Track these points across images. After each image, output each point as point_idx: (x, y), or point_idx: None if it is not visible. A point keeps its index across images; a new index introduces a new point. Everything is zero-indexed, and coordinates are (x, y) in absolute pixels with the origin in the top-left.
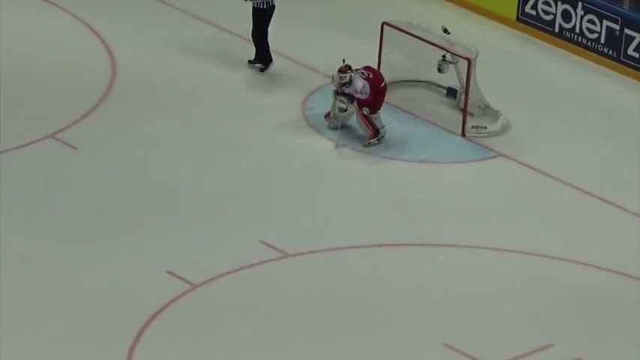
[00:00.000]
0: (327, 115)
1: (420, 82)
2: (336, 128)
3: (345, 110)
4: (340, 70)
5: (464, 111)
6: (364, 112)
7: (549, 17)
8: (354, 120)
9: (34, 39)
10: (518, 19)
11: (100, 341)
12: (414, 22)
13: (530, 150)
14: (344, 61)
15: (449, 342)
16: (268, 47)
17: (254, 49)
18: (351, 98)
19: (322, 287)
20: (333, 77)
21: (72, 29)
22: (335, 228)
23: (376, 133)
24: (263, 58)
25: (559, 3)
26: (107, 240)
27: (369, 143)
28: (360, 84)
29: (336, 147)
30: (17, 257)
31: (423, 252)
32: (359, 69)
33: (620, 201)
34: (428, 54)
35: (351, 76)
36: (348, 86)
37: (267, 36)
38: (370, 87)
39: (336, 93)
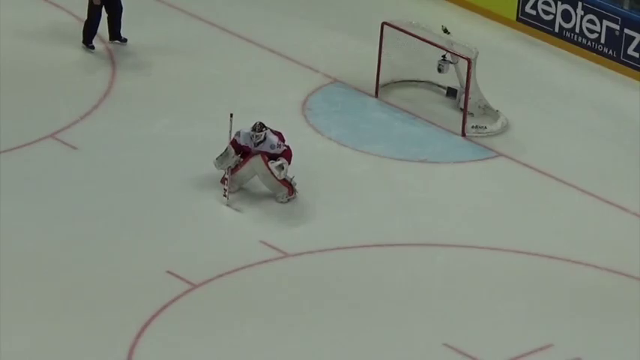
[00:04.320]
0: (223, 180)
1: (420, 82)
2: (234, 192)
3: (283, 168)
4: (255, 129)
5: (464, 111)
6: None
7: (549, 17)
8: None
9: (34, 39)
10: (518, 19)
11: (100, 341)
12: (414, 22)
13: (530, 150)
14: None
15: (449, 342)
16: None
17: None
18: (272, 157)
19: (322, 287)
20: (237, 136)
21: (72, 29)
22: (335, 228)
23: (291, 187)
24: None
25: (559, 3)
26: (107, 240)
27: (288, 199)
28: (275, 138)
29: (227, 197)
30: (17, 257)
31: (423, 252)
32: (265, 128)
33: (620, 201)
34: (428, 54)
35: (265, 133)
36: (261, 143)
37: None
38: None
39: (235, 152)
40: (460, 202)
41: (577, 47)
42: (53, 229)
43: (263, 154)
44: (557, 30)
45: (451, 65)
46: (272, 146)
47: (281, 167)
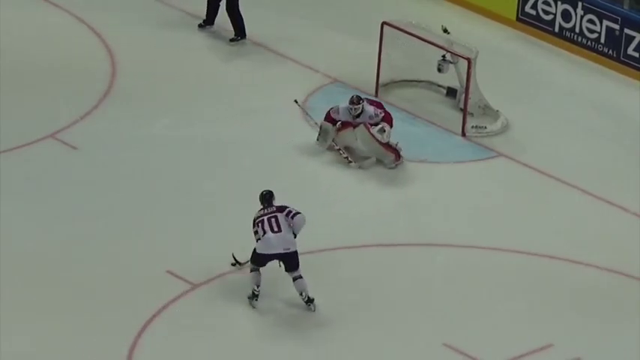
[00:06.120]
0: (331, 148)
1: (420, 82)
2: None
3: (385, 130)
4: (352, 102)
5: (464, 111)
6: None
7: (549, 17)
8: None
9: (34, 39)
10: (518, 19)
11: (100, 341)
12: (414, 22)
13: (530, 150)
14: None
15: (449, 342)
16: (242, 19)
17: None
18: (367, 125)
19: (322, 287)
20: (334, 113)
21: (72, 29)
22: (335, 228)
23: (397, 152)
24: (241, 30)
25: (559, 3)
26: (107, 240)
27: (396, 165)
28: (371, 109)
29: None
30: (17, 257)
31: (423, 252)
32: (362, 100)
33: (620, 201)
34: (428, 54)
35: (362, 105)
36: (361, 115)
37: (238, 7)
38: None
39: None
40: (460, 202)
41: (577, 47)
42: (53, 229)
43: (364, 123)
44: (557, 30)
45: (451, 65)
46: (371, 116)
47: (382, 130)
